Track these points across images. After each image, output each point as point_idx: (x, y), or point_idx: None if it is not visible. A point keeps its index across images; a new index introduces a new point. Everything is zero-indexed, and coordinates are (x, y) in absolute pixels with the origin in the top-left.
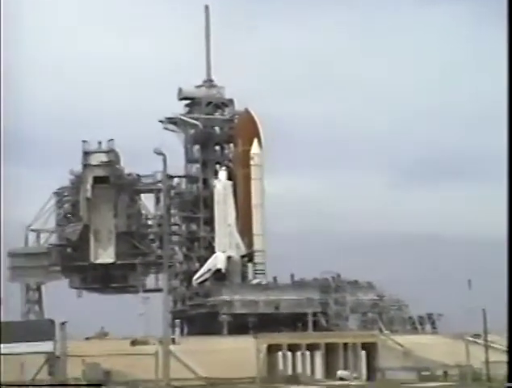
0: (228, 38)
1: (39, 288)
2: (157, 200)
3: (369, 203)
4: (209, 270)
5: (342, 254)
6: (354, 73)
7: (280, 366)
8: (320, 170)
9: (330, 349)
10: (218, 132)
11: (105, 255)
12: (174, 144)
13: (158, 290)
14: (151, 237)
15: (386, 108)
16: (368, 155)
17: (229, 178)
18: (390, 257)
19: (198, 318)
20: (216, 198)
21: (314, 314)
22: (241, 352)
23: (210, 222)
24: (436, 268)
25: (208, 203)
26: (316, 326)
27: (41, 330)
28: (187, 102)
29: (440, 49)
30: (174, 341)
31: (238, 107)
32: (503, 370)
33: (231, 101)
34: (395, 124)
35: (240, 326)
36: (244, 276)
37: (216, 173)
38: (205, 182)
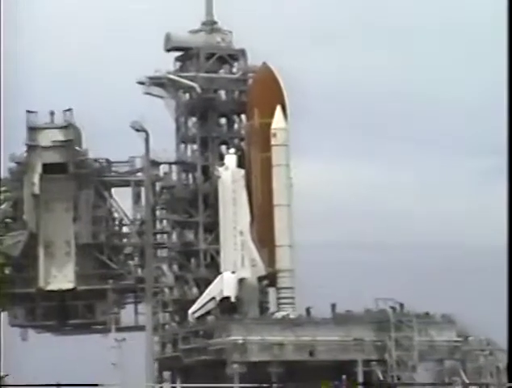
0: None
1: None
2: (137, 198)
3: (446, 200)
4: (212, 299)
5: (405, 274)
6: (419, 17)
7: None
8: (371, 152)
9: None
10: (224, 98)
11: (61, 277)
12: (161, 116)
13: (139, 328)
14: (128, 251)
15: (467, 65)
16: (442, 131)
17: (241, 164)
18: (479, 280)
19: (197, 369)
20: (222, 194)
21: (366, 362)
22: None
23: (213, 229)
24: None
25: (210, 201)
26: (370, 380)
27: None
28: (179, 54)
29: None
30: None
31: (252, 61)
32: None
33: (242, 52)
34: (483, 86)
35: (258, 379)
36: (263, 308)
37: (221, 157)
38: (205, 171)
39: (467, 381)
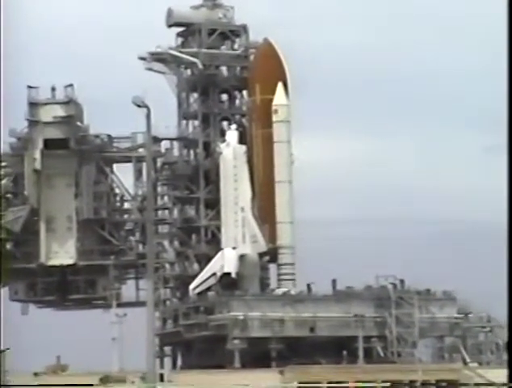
0: None
1: None
2: (138, 174)
3: (450, 175)
4: (213, 274)
5: (406, 251)
6: None
7: None
8: (373, 127)
9: None
10: (225, 74)
11: (62, 253)
12: (162, 91)
13: (139, 304)
14: (129, 227)
15: (468, 39)
16: (444, 106)
17: (242, 141)
18: (479, 256)
19: (197, 344)
20: (223, 170)
21: (367, 339)
22: None
23: (214, 205)
24: None
25: (212, 177)
26: (370, 356)
27: None
28: (181, 29)
29: None
30: (162, 377)
31: (254, 36)
32: None
33: (244, 28)
34: (486, 59)
35: (258, 355)
36: (264, 284)
37: (222, 133)
38: (207, 147)
39: (468, 359)
